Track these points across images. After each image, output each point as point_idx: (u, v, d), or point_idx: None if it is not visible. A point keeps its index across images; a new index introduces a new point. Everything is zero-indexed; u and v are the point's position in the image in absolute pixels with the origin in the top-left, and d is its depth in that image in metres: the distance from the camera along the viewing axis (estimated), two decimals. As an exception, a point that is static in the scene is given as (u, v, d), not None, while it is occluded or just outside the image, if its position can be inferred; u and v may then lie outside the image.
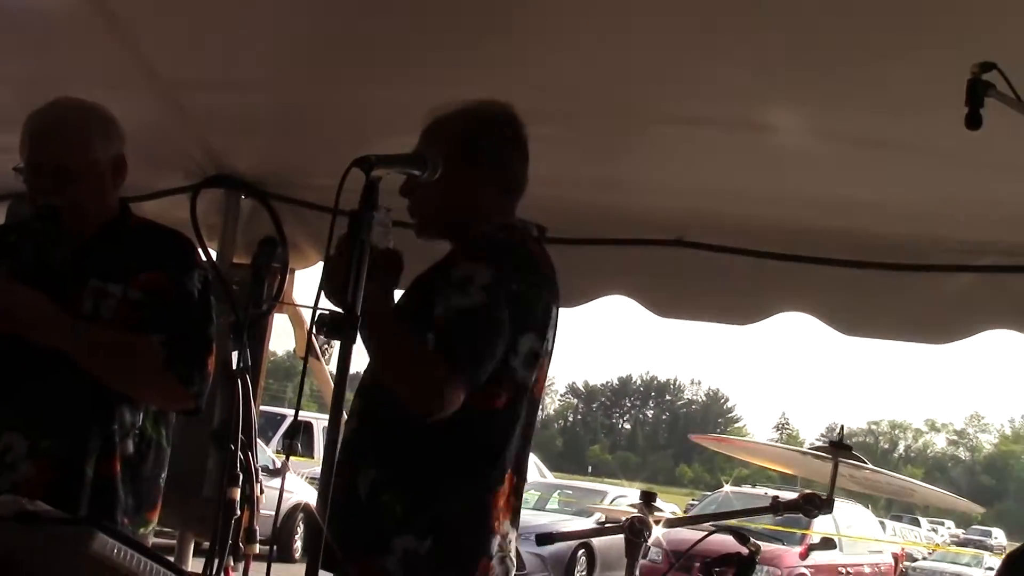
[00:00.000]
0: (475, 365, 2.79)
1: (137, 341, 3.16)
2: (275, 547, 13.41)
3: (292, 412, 20.14)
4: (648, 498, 3.30)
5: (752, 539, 3.31)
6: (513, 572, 3.16)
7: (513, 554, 3.13)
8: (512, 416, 2.97)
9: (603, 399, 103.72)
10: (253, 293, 3.20)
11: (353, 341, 2.46)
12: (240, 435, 4.64)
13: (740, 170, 4.03)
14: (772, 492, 20.51)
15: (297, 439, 17.11)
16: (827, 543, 18.08)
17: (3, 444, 3.10)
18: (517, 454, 3.03)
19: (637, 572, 3.20)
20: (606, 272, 4.61)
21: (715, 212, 4.34)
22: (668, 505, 3.60)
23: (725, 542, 3.51)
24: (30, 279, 3.12)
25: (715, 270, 4.43)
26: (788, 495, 3.75)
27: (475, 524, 2.94)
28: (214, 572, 4.02)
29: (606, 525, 3.60)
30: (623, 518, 3.49)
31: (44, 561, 2.20)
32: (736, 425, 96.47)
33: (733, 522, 3.83)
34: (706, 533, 3.39)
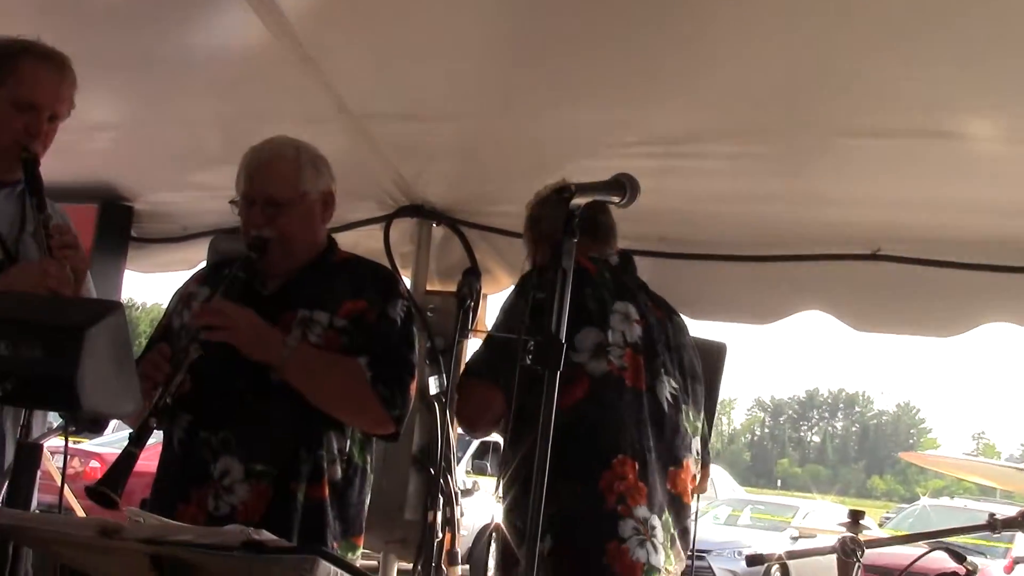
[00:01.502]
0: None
1: (345, 359, 3.24)
2: (468, 567, 13.53)
3: (480, 433, 20.29)
4: (856, 516, 3.24)
5: (968, 558, 3.23)
6: (662, 555, 3.28)
7: (662, 538, 3.25)
8: (600, 404, 3.16)
9: (790, 412, 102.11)
10: (459, 323, 3.26)
11: (559, 368, 2.49)
12: (439, 459, 4.72)
13: (936, 180, 3.94)
14: (971, 504, 19.96)
15: (487, 459, 17.22)
16: (1034, 557, 17.48)
17: (220, 468, 3.20)
18: (630, 441, 3.24)
19: (849, 592, 3.14)
20: (801, 288, 4.55)
21: (911, 224, 4.25)
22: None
23: (938, 560, 3.43)
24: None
25: (914, 283, 4.33)
26: (1004, 510, 3.64)
27: (591, 513, 3.09)
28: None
29: (816, 547, 3.54)
30: (817, 534, 3.46)
31: (270, 590, 2.26)
32: (928, 437, 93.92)
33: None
34: (924, 551, 3.32)
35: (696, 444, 3.66)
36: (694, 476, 3.63)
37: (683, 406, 3.61)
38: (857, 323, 4.51)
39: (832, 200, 4.20)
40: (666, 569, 3.35)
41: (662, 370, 3.53)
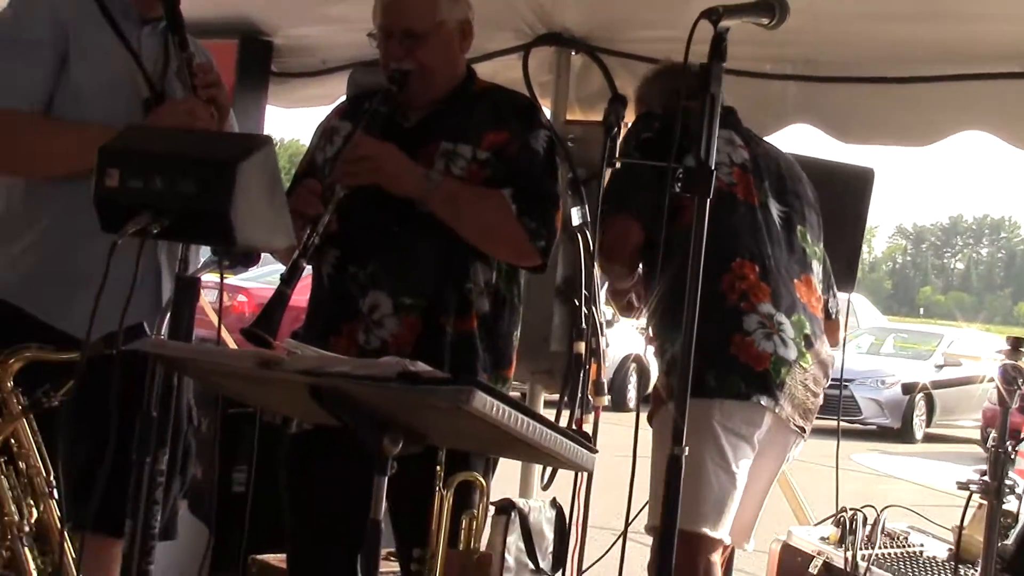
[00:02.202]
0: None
1: (489, 192, 3.23)
2: (610, 397, 13.67)
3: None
4: (1017, 343, 3.17)
5: None
6: (794, 351, 3.42)
7: (791, 334, 3.41)
8: (713, 218, 3.12)
9: (933, 239, 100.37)
10: (605, 150, 3.22)
11: (708, 195, 2.45)
12: (583, 290, 4.72)
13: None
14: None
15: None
16: None
17: (370, 302, 3.24)
18: (747, 245, 3.44)
19: (1008, 420, 3.09)
20: (960, 107, 4.39)
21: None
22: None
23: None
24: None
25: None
26: None
27: (714, 311, 3.12)
28: (568, 424, 4.12)
29: (971, 375, 3.49)
30: (962, 362, 3.41)
31: (425, 419, 2.29)
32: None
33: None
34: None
35: (818, 268, 3.66)
36: (821, 299, 3.64)
37: (797, 226, 3.66)
38: (1018, 141, 4.35)
39: (992, 16, 4.03)
40: (801, 366, 3.39)
41: (770, 192, 3.62)
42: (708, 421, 3.30)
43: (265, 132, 5.57)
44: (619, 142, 3.61)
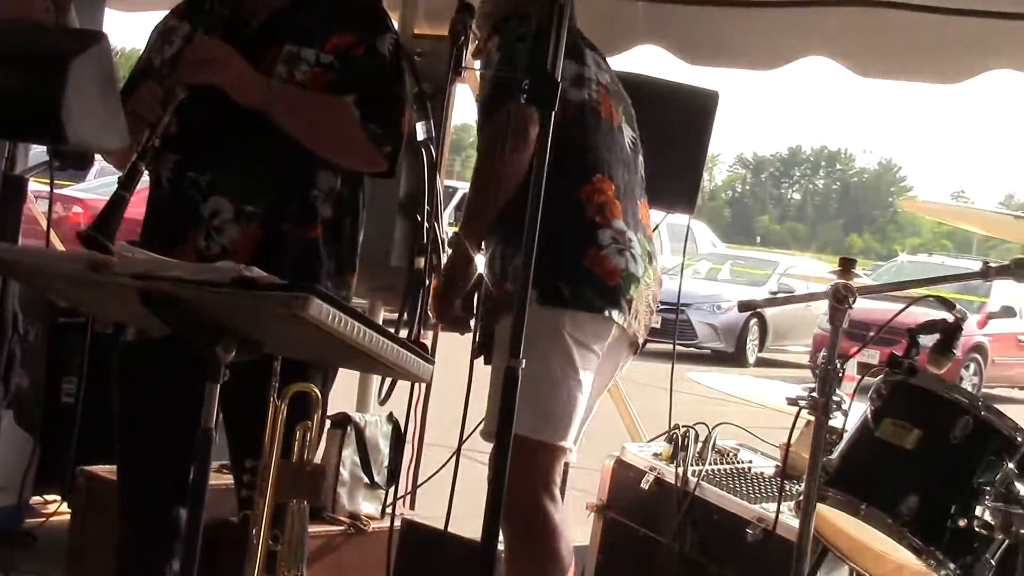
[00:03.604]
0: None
1: (332, 100, 3.17)
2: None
3: (462, 184, 20.38)
4: (847, 264, 3.24)
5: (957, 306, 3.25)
6: (641, 267, 3.47)
7: (639, 251, 3.46)
8: (580, 127, 3.38)
9: (772, 169, 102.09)
10: (451, 59, 3.17)
11: (553, 108, 2.44)
12: (426, 205, 4.70)
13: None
14: (949, 261, 20.22)
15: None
16: (1007, 311, 17.77)
17: (210, 208, 3.16)
18: (606, 163, 3.45)
19: (838, 339, 3.16)
20: (805, 33, 4.46)
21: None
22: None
23: (921, 314, 3.44)
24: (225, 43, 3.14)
25: (918, 29, 4.23)
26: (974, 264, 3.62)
27: (569, 220, 3.31)
28: (408, 338, 4.11)
29: (809, 293, 3.56)
30: (795, 288, 3.48)
31: (260, 326, 2.26)
32: (909, 194, 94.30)
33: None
34: (910, 300, 3.33)
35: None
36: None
37: (640, 152, 3.70)
38: (861, 69, 4.43)
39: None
40: (645, 282, 3.44)
41: (623, 116, 3.65)
42: (559, 331, 3.33)
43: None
44: (495, 40, 3.53)
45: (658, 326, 3.73)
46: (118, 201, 2.95)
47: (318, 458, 3.14)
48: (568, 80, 3.33)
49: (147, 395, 3.24)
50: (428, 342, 4.21)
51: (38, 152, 2.81)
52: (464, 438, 3.67)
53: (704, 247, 23.23)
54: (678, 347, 4.84)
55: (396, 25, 4.82)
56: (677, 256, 13.25)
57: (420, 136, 4.70)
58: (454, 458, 3.74)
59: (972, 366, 17.25)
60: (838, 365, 3.16)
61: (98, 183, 16.78)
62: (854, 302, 3.16)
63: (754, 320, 18.57)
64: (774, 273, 19.99)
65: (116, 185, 3.00)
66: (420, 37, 4.97)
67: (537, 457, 3.32)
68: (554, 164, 2.97)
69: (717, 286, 19.50)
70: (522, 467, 3.10)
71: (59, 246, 6.55)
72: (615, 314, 3.35)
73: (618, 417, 5.50)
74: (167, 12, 3.47)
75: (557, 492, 3.46)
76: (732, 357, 18.36)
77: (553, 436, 3.39)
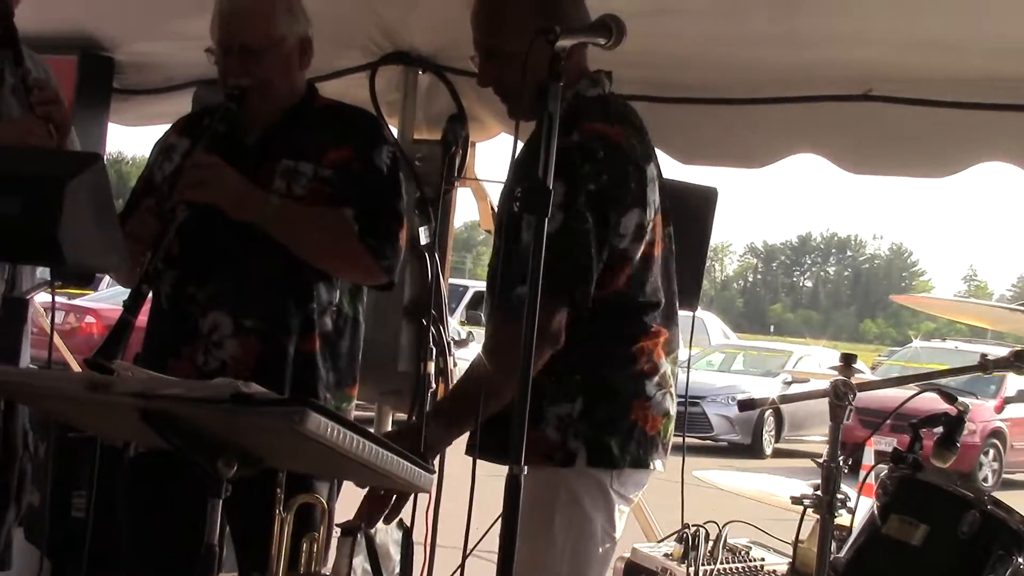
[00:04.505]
0: (574, 287, 2.89)
1: (330, 213, 3.21)
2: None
3: (473, 283, 20.45)
4: (848, 360, 3.24)
5: (959, 398, 3.25)
6: (674, 402, 3.21)
7: (673, 382, 3.21)
8: (640, 287, 3.05)
9: (783, 258, 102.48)
10: (444, 169, 3.20)
11: (546, 214, 2.46)
12: (431, 310, 4.72)
13: (927, 17, 3.86)
14: (963, 346, 20.15)
15: (480, 309, 17.30)
16: (1024, 396, 17.68)
17: (209, 323, 3.19)
18: (661, 310, 3.11)
19: (839, 435, 3.16)
20: (793, 130, 4.49)
21: (903, 63, 4.17)
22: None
23: (929, 401, 3.44)
24: (224, 160, 3.18)
25: (907, 123, 4.27)
26: (995, 351, 3.65)
27: (623, 373, 3.05)
28: (416, 445, 4.10)
29: (809, 391, 3.57)
30: (810, 379, 3.47)
31: (261, 441, 2.26)
32: (921, 279, 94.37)
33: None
34: (914, 393, 3.33)
35: None
36: None
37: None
38: (850, 165, 4.47)
39: (822, 40, 4.12)
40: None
41: (665, 227, 3.29)
42: (605, 489, 3.09)
43: (114, 150, 5.48)
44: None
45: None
46: (123, 325, 2.97)
47: (328, 568, 3.13)
48: (630, 236, 3.00)
49: (152, 509, 3.24)
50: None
51: (44, 270, 2.84)
52: (476, 542, 3.64)
53: (716, 338, 23.23)
54: (695, 440, 4.82)
55: (396, 131, 4.94)
56: (685, 350, 13.17)
57: (423, 240, 4.74)
58: (461, 562, 3.72)
59: (991, 452, 17.12)
60: (841, 462, 3.15)
61: (110, 293, 16.89)
62: (854, 399, 3.16)
63: (769, 412, 18.50)
64: (787, 363, 19.95)
65: (127, 294, 3.03)
66: (420, 142, 5.02)
67: None
68: (607, 323, 2.99)
69: (731, 377, 19.45)
70: None
71: (69, 357, 6.59)
72: (658, 463, 3.16)
73: (632, 516, 5.46)
74: (168, 127, 3.53)
75: None
76: (749, 449, 18.25)
77: None
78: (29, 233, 2.40)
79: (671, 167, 4.85)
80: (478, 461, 2.78)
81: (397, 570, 4.50)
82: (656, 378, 3.12)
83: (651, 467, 3.16)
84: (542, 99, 2.49)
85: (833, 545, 3.24)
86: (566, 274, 2.85)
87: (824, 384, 3.42)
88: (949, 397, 3.29)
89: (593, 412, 2.99)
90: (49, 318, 3.37)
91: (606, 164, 2.94)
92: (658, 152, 3.39)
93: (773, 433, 18.99)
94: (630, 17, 2.63)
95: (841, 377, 3.19)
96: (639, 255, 3.04)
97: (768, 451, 18.68)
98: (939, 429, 3.29)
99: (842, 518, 3.25)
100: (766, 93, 4.45)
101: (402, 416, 4.92)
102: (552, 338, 2.87)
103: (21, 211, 2.36)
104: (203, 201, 3.12)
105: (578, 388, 3.00)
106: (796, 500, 3.27)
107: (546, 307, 2.60)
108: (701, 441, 17.37)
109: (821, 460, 3.28)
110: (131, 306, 3.02)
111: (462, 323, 17.51)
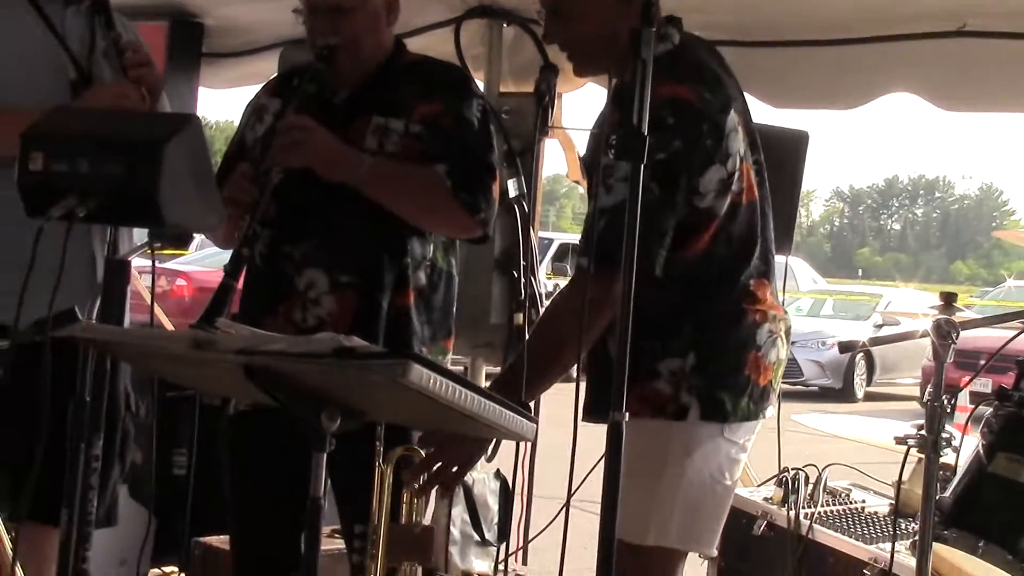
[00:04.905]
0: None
1: (423, 171, 3.22)
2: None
3: (558, 235, 20.44)
4: (948, 298, 3.19)
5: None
6: (785, 347, 3.21)
7: (784, 331, 3.19)
8: (728, 241, 3.03)
9: (869, 201, 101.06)
10: (538, 119, 3.19)
11: (642, 161, 2.45)
12: (522, 261, 4.73)
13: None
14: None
15: (566, 261, 17.31)
16: None
17: (306, 280, 3.22)
18: (761, 263, 3.09)
19: (943, 375, 3.12)
20: (887, 70, 4.42)
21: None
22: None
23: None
24: (315, 120, 3.19)
25: (1002, 57, 4.19)
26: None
27: (733, 329, 3.04)
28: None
29: (908, 331, 3.52)
30: (900, 321, 3.42)
31: (363, 394, 2.28)
32: (1012, 218, 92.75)
33: None
34: (1020, 330, 3.28)
35: None
36: None
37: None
38: (945, 103, 4.40)
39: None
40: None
41: (758, 177, 3.21)
42: (717, 439, 3.09)
43: (198, 113, 5.52)
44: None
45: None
46: (226, 290, 3.01)
47: (428, 519, 3.15)
48: (713, 192, 2.97)
49: (255, 466, 3.29)
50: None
51: (142, 232, 2.87)
52: (572, 491, 3.65)
53: (805, 283, 23.01)
54: (785, 386, 4.80)
55: (482, 84, 4.93)
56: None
57: (512, 193, 4.73)
58: (564, 511, 3.73)
59: (1089, 390, 16.84)
60: (945, 400, 3.11)
61: (200, 255, 17.08)
62: (957, 337, 3.11)
63: (860, 355, 18.32)
64: (877, 306, 19.73)
65: (217, 256, 3.06)
66: (506, 95, 5.01)
67: (676, 566, 3.16)
68: (713, 275, 3.00)
69: (820, 322, 19.29)
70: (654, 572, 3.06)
71: (164, 319, 6.69)
72: (768, 411, 3.17)
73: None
74: (258, 86, 3.55)
75: None
76: (840, 393, 18.12)
77: (706, 547, 3.27)
78: (129, 195, 2.42)
79: (762, 111, 4.81)
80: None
81: (496, 520, 4.53)
82: (767, 326, 3.10)
83: (762, 417, 3.16)
84: (634, 45, 2.46)
85: (936, 486, 3.20)
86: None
87: (916, 325, 3.38)
88: (1054, 331, 3.24)
89: (706, 366, 3.00)
90: (149, 281, 3.41)
91: (678, 129, 2.90)
92: (748, 97, 3.34)
93: (864, 377, 18.83)
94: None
95: (943, 316, 3.14)
96: (726, 208, 3.01)
97: (860, 395, 18.53)
98: (1043, 365, 3.24)
99: (946, 457, 3.21)
100: (858, 33, 4.38)
101: (493, 369, 4.93)
102: (613, 305, 2.74)
103: (121, 173, 2.39)
104: (297, 165, 3.14)
105: (689, 343, 3.00)
106: (900, 440, 3.23)
107: (610, 276, 2.63)
108: (792, 387, 17.27)
109: (923, 400, 3.24)
110: (232, 270, 3.05)
111: (548, 276, 17.52)
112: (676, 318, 3.01)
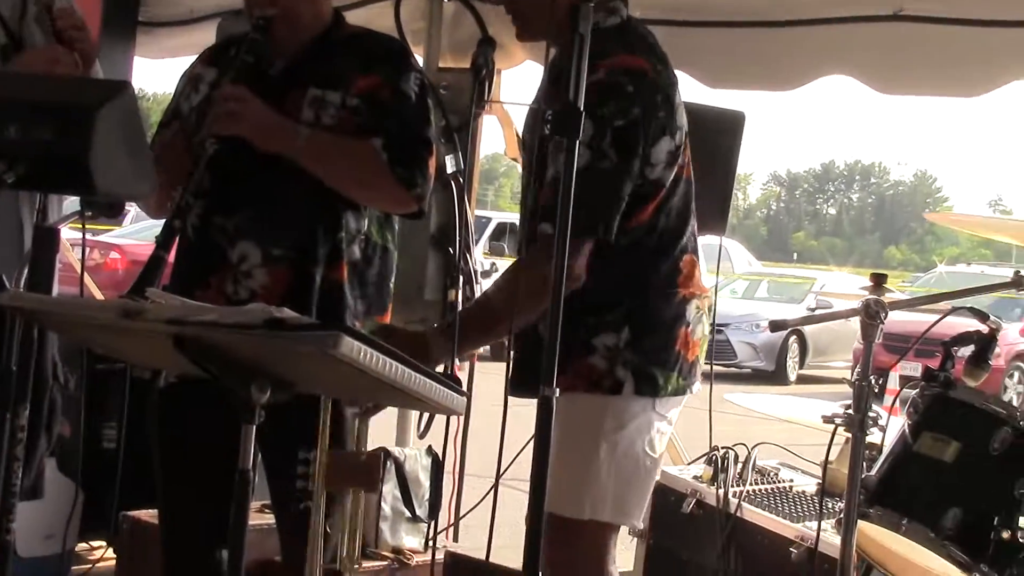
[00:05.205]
0: (595, 224, 2.93)
1: (359, 144, 3.20)
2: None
3: (495, 214, 20.43)
4: (879, 279, 3.23)
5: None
6: (708, 324, 3.28)
7: (707, 308, 3.26)
8: (667, 212, 3.09)
9: (806, 185, 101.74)
10: (475, 93, 3.17)
11: (578, 136, 2.45)
12: (457, 238, 4.72)
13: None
14: (988, 270, 20.08)
15: (503, 240, 17.31)
16: (1050, 318, 17.63)
17: (238, 253, 3.19)
18: (692, 239, 3.17)
19: (871, 355, 3.15)
20: (823, 52, 4.46)
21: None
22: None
23: (954, 325, 3.43)
24: (251, 90, 3.16)
25: (937, 42, 4.23)
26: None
27: (667, 305, 3.10)
28: (444, 372, 4.12)
29: (839, 310, 3.56)
30: (833, 303, 3.46)
31: (293, 366, 2.27)
32: (945, 205, 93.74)
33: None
34: (945, 312, 3.32)
35: None
36: None
37: None
38: (881, 85, 4.44)
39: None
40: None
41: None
42: (648, 414, 3.14)
43: (135, 86, 5.46)
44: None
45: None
46: (156, 262, 2.97)
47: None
48: (662, 164, 3.05)
49: (184, 438, 3.26)
50: (463, 374, 4.22)
51: (72, 201, 2.84)
52: (503, 469, 3.65)
53: (740, 266, 23.19)
54: (718, 368, 4.82)
55: (421, 60, 4.91)
56: (711, 276, 13.18)
57: (449, 169, 4.72)
58: (493, 488, 3.74)
59: (1016, 375, 17.12)
60: (873, 381, 3.15)
61: (135, 228, 16.93)
62: (886, 317, 3.15)
63: (793, 337, 18.50)
64: (811, 289, 19.93)
65: (152, 229, 3.03)
66: (445, 70, 5.00)
67: (609, 539, 3.21)
68: (650, 249, 3.05)
69: (754, 304, 19.45)
70: (595, 550, 3.13)
71: (96, 293, 6.62)
72: (695, 386, 3.23)
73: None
74: (194, 58, 3.51)
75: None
76: (773, 375, 18.29)
77: (634, 520, 3.31)
78: (60, 161, 2.39)
79: (697, 91, 4.83)
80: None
81: (427, 496, 4.53)
82: (695, 302, 3.16)
83: (690, 392, 3.22)
84: (572, 19, 2.46)
85: (863, 465, 3.24)
86: (588, 213, 2.85)
87: (850, 307, 3.42)
88: (981, 315, 3.27)
89: (640, 341, 3.05)
90: (79, 251, 3.37)
91: (636, 97, 2.95)
92: (684, 76, 3.39)
93: (797, 359, 19.02)
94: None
95: (873, 296, 3.18)
96: (671, 180, 3.08)
97: (792, 377, 18.71)
98: (970, 348, 3.28)
99: (872, 436, 3.25)
100: (797, 14, 4.41)
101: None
102: (574, 276, 2.87)
103: (52, 139, 2.36)
104: (232, 134, 3.11)
105: (624, 317, 3.05)
106: (827, 419, 3.27)
107: (569, 245, 2.59)
108: (725, 368, 17.40)
109: (851, 380, 3.28)
110: (163, 242, 3.01)
111: (485, 254, 17.51)
112: (615, 291, 3.05)
